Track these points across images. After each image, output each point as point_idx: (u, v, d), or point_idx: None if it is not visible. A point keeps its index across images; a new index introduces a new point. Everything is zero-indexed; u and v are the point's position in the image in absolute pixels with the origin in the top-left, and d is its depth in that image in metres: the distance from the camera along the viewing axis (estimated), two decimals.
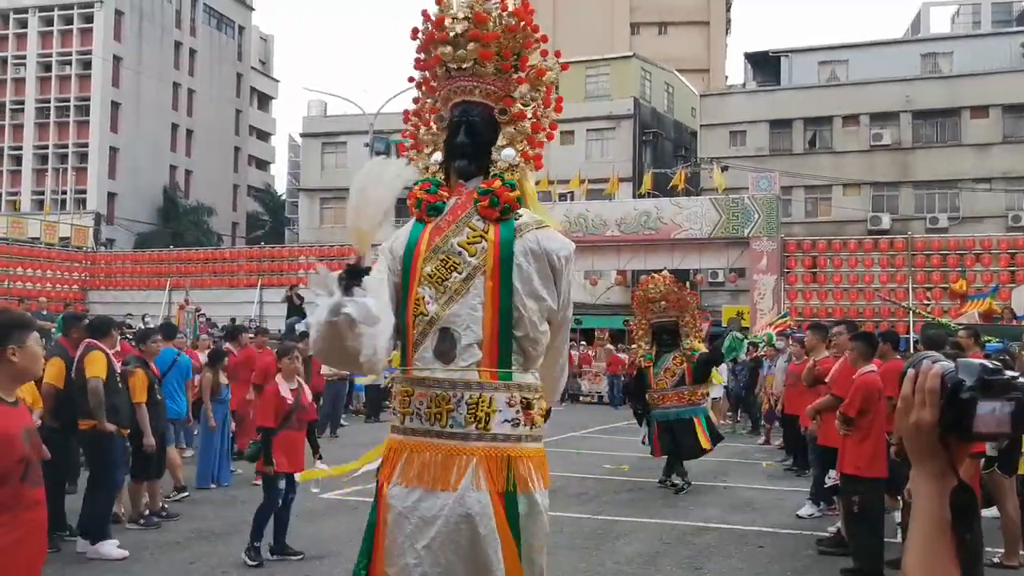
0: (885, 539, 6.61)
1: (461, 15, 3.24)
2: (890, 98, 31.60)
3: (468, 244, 3.18)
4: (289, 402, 6.76)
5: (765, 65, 38.02)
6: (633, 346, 12.30)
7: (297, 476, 6.65)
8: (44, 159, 43.02)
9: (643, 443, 10.87)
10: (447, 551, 2.98)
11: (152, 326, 11.90)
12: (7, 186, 43.42)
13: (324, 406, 13.94)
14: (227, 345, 11.70)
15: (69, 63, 42.98)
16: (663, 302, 10.45)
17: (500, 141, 3.30)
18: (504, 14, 3.26)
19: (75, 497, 7.35)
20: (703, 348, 10.61)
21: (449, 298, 3.14)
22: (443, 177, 3.38)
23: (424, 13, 3.34)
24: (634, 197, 29.89)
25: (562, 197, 27.93)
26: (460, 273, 3.15)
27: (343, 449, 11.64)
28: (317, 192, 39.28)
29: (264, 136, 58.81)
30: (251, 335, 12.51)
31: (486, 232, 3.18)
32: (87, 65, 42.67)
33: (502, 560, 2.97)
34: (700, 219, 24.54)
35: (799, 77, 35.60)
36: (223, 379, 10.13)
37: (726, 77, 46.98)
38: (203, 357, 11.37)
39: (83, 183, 42.04)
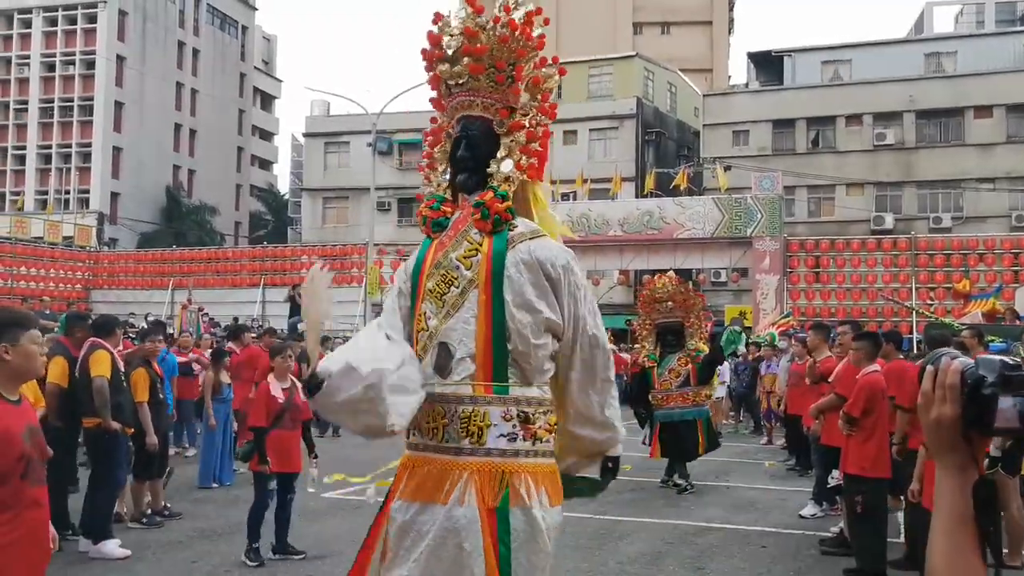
0: (888, 539, 6.59)
1: (456, 31, 3.25)
2: (893, 98, 31.52)
3: (464, 258, 3.18)
4: (280, 401, 6.71)
5: (768, 65, 37.97)
6: (636, 346, 12.29)
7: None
8: (48, 159, 43.09)
9: (643, 443, 10.87)
10: (432, 565, 2.95)
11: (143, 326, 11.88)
12: (11, 186, 43.43)
13: None
14: (229, 344, 11.72)
15: (72, 63, 43.01)
16: (670, 302, 10.44)
17: (500, 153, 3.29)
18: (497, 26, 3.24)
19: (76, 496, 7.35)
20: (706, 348, 10.61)
21: (447, 312, 3.14)
22: (452, 193, 3.40)
23: (428, 34, 3.35)
24: (637, 197, 29.91)
25: (565, 197, 27.95)
26: (457, 287, 3.15)
27: (345, 449, 11.65)
28: (320, 192, 39.26)
29: (267, 136, 58.86)
30: (255, 336, 12.52)
31: (481, 245, 3.18)
32: (90, 65, 42.71)
33: None
34: (703, 219, 24.55)
35: (802, 77, 35.54)
36: (225, 378, 10.15)
37: (729, 77, 46.92)
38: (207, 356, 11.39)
39: (86, 183, 42.11)
